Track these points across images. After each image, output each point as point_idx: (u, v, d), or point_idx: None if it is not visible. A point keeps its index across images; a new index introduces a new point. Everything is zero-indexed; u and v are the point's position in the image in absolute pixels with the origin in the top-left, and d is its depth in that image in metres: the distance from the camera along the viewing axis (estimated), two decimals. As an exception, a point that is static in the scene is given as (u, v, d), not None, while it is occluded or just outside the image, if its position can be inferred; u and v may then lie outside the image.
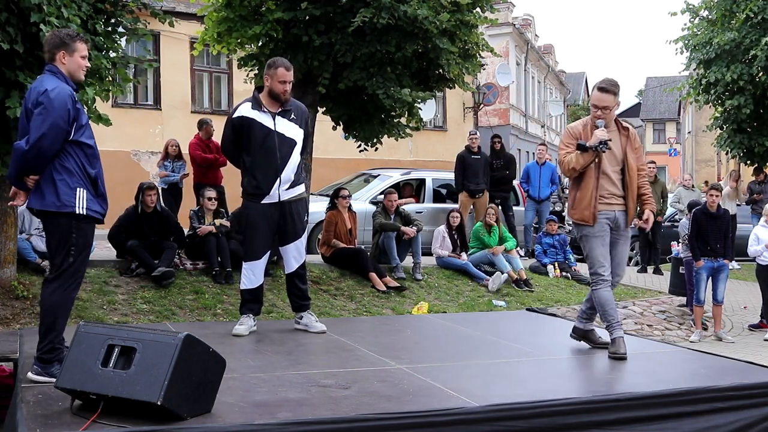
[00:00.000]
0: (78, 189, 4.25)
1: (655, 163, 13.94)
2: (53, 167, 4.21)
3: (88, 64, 4.57)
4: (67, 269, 4.24)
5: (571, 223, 5.75)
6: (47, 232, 4.34)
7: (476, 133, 12.60)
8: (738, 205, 14.12)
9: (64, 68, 4.34)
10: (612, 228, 5.28)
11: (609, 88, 5.21)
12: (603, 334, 5.47)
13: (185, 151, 10.77)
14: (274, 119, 5.58)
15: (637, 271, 13.02)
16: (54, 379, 3.78)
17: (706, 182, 16.30)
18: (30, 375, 4.18)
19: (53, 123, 4.12)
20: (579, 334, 5.59)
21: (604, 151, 5.12)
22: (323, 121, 9.54)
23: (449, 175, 12.99)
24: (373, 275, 9.23)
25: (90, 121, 7.09)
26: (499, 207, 12.04)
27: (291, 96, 5.73)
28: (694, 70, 15.35)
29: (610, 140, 5.12)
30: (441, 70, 9.04)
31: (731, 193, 13.92)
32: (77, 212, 4.24)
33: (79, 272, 4.35)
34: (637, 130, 72.54)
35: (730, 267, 10.15)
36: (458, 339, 6.03)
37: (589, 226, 5.22)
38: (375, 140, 9.44)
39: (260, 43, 8.75)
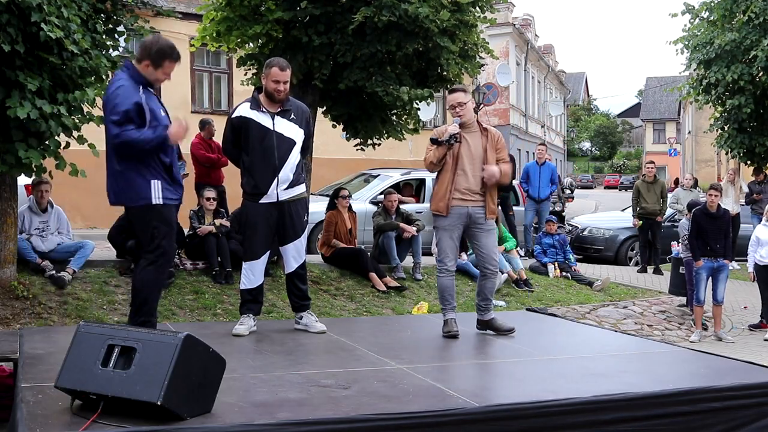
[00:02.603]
0: None
1: (654, 163, 13.96)
2: None
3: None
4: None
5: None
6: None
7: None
8: (742, 204, 14.13)
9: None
10: (468, 223, 5.76)
11: (457, 87, 5.95)
12: (504, 321, 5.98)
13: (185, 151, 10.71)
14: (272, 119, 5.57)
15: (637, 271, 13.02)
16: None
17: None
18: None
19: None
20: (483, 325, 6.02)
21: (452, 144, 5.63)
22: (323, 121, 9.54)
23: (449, 175, 12.96)
24: (373, 275, 9.23)
25: (92, 123, 7.12)
26: (499, 207, 12.04)
27: (291, 96, 5.72)
28: (695, 70, 15.36)
29: (458, 133, 5.63)
30: (440, 70, 9.04)
31: (736, 194, 13.93)
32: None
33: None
34: (637, 130, 72.43)
35: (730, 267, 10.15)
36: (458, 339, 6.03)
37: (442, 217, 5.73)
38: (377, 138, 9.44)
39: (260, 43, 8.75)
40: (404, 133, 9.55)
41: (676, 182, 27.82)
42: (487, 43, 9.45)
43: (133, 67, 4.75)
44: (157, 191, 4.70)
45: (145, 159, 4.66)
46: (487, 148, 5.76)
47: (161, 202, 4.73)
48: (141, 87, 4.73)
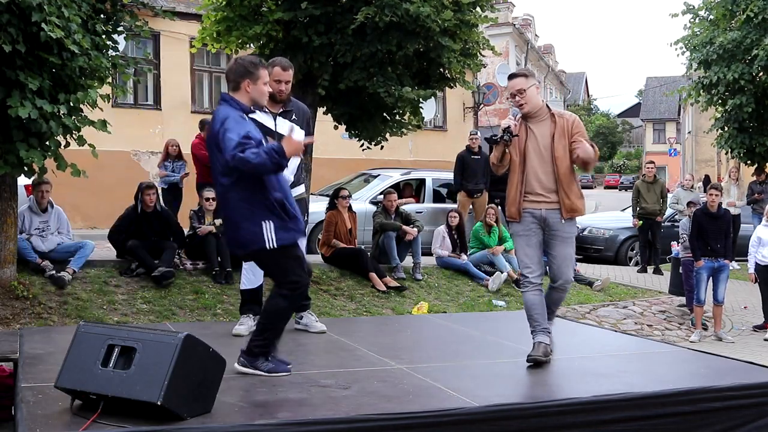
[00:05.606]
0: None
1: (654, 163, 13.96)
2: None
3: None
4: None
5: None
6: None
7: (476, 133, 12.58)
8: (743, 205, 14.14)
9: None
10: (543, 228, 4.97)
11: (517, 73, 5.06)
12: (544, 351, 4.96)
13: (185, 151, 10.75)
14: (274, 120, 5.57)
15: (637, 271, 13.02)
16: (261, 372, 4.32)
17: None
18: (236, 366, 4.36)
19: None
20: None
21: (507, 140, 4.81)
22: (323, 121, 9.54)
23: (449, 175, 12.99)
24: (373, 275, 9.23)
25: (92, 127, 7.09)
26: (499, 207, 12.03)
27: (291, 96, 5.71)
28: (695, 71, 15.35)
29: (509, 127, 4.82)
30: (442, 69, 9.04)
31: (738, 193, 13.93)
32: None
33: None
34: (637, 130, 72.01)
35: (731, 267, 10.16)
36: (458, 339, 6.03)
37: (516, 222, 5.02)
38: (379, 138, 9.44)
39: (260, 44, 8.75)
40: (406, 129, 9.56)
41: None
42: (488, 40, 9.46)
43: (231, 99, 4.37)
44: (270, 233, 4.27)
45: (251, 199, 4.25)
46: (555, 136, 4.87)
47: (275, 246, 4.27)
48: (246, 116, 4.39)
